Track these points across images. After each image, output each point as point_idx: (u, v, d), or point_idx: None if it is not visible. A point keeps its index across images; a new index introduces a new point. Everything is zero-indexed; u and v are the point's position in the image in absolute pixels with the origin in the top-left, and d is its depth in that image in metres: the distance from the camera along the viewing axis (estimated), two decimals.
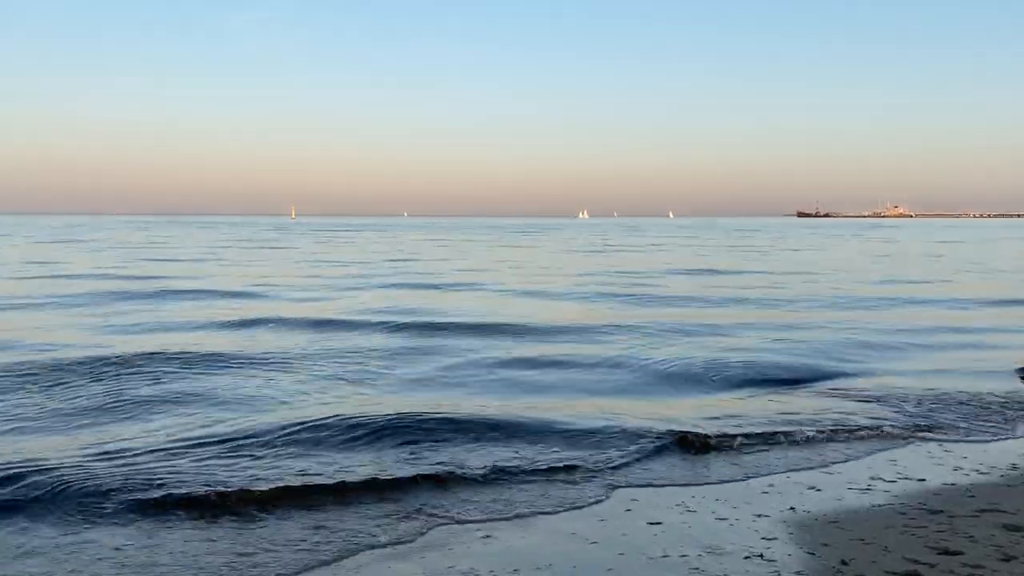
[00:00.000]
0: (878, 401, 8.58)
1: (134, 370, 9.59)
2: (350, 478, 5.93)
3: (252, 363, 10.34)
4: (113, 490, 5.54)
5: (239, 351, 11.14)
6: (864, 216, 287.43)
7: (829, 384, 9.56)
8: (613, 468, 6.33)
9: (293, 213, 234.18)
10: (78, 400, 8.29)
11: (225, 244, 50.82)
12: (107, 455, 6.31)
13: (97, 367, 9.69)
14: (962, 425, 7.69)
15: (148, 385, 8.91)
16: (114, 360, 10.07)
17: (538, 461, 6.40)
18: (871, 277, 26.01)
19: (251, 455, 6.42)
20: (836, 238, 70.12)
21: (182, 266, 29.98)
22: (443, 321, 14.38)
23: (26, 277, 23.71)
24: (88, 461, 6.12)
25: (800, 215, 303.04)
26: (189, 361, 10.25)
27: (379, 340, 12.52)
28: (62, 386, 8.80)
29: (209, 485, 5.63)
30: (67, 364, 9.84)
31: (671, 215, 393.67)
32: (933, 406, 8.36)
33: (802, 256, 40.77)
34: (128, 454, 6.34)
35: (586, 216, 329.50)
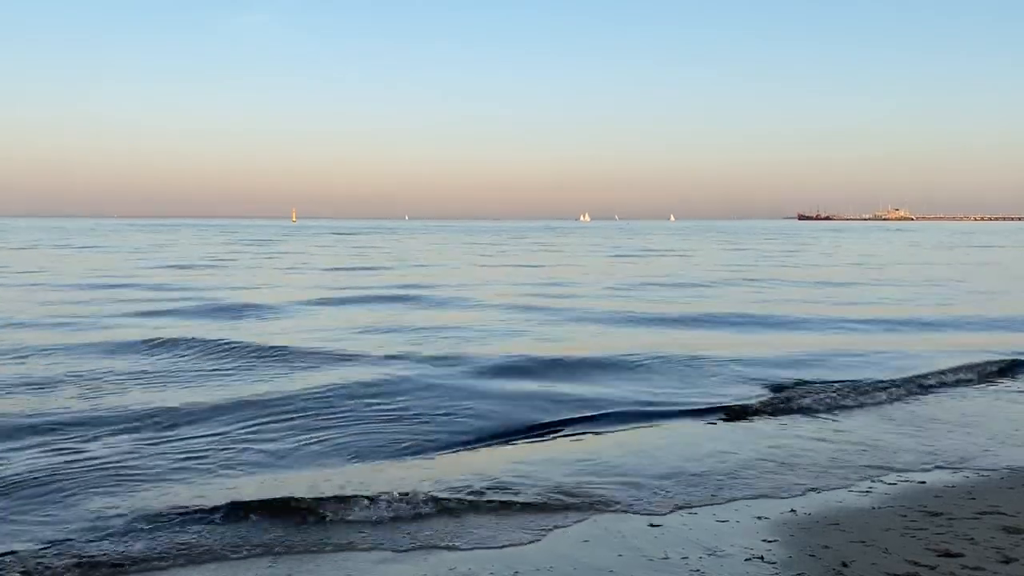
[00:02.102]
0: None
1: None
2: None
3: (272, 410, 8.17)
4: None
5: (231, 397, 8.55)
6: (865, 219, 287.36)
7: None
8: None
9: (295, 216, 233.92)
10: None
11: (241, 250, 50.75)
12: None
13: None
14: None
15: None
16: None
17: None
18: None
19: None
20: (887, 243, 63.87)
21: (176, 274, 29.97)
22: (471, 355, 11.34)
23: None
24: None
25: (801, 218, 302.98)
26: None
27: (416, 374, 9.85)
28: None
29: None
30: None
31: (672, 218, 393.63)
32: None
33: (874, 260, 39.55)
34: None
35: (587, 219, 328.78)
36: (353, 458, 6.68)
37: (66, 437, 7.06)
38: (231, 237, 72.49)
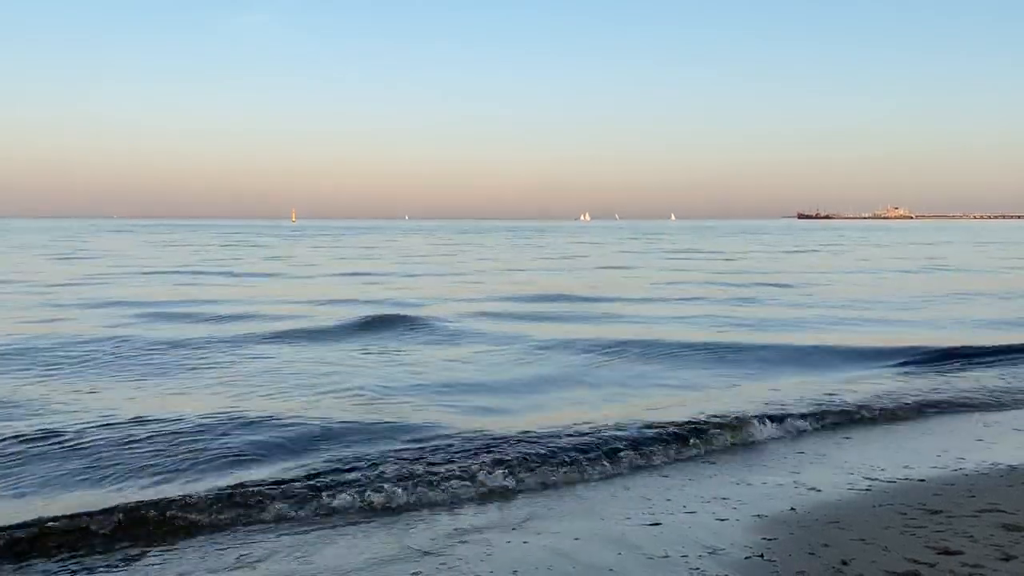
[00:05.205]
0: None
1: None
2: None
3: None
4: None
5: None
6: (864, 218, 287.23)
7: None
8: None
9: (294, 216, 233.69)
10: None
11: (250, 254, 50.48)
12: None
13: None
14: None
15: None
16: None
17: None
18: None
19: None
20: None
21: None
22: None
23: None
24: None
25: (801, 217, 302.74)
26: None
27: None
28: None
29: None
30: None
31: (673, 218, 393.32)
32: None
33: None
34: None
35: (587, 219, 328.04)
36: None
37: None
38: (227, 239, 72.04)
